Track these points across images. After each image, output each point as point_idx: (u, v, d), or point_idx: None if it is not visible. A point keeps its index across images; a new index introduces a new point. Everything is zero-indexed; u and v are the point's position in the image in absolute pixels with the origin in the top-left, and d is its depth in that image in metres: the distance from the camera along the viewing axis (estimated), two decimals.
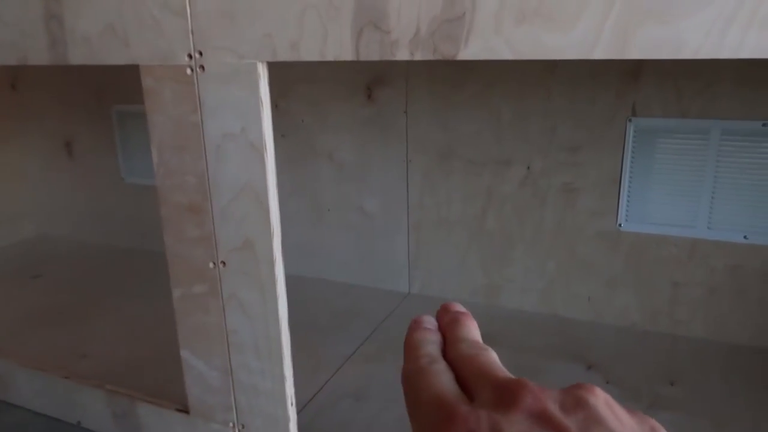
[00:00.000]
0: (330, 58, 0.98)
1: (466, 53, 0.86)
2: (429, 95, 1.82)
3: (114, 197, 2.47)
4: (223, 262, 1.10)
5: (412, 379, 0.26)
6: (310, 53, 0.99)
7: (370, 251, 2.02)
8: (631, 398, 1.39)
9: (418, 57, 0.91)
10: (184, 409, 1.24)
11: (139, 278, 2.16)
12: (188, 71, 1.07)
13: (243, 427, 1.17)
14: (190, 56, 1.06)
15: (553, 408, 0.23)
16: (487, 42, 0.85)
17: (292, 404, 1.13)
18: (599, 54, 0.77)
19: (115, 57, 1.14)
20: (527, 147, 1.73)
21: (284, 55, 1.01)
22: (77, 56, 1.18)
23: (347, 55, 0.96)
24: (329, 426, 1.30)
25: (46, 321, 1.84)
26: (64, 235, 2.62)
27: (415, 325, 0.30)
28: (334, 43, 0.96)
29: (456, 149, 1.82)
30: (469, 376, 0.26)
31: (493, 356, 0.27)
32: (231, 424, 1.18)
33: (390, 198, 1.94)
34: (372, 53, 0.95)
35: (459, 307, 0.31)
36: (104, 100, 2.38)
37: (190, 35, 1.05)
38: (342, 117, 1.95)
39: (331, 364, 1.56)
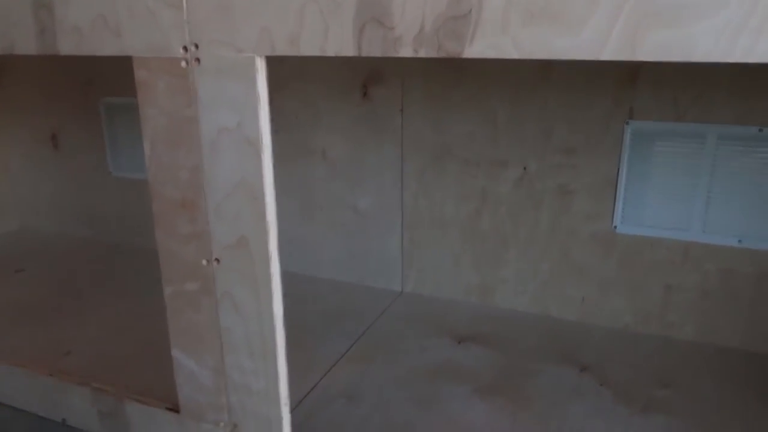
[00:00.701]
0: (331, 53, 0.96)
1: (472, 51, 0.85)
2: (425, 94, 1.80)
3: (100, 191, 2.43)
4: (217, 260, 1.08)
5: None
6: (310, 48, 0.96)
7: (362, 249, 2.00)
8: (625, 401, 1.38)
9: (422, 54, 0.89)
10: (174, 408, 1.21)
11: (125, 274, 2.12)
12: (183, 64, 1.05)
13: (235, 427, 1.15)
14: (185, 48, 1.03)
15: None
16: (493, 40, 0.83)
17: (285, 404, 1.11)
18: (607, 55, 0.76)
19: (107, 48, 1.11)
20: (523, 148, 1.72)
21: (283, 50, 0.98)
22: (67, 46, 1.15)
23: (349, 51, 0.94)
24: (321, 426, 1.28)
25: (29, 316, 1.80)
26: (48, 229, 2.57)
27: None
28: (336, 38, 0.94)
29: (451, 149, 1.80)
30: None
31: None
32: (222, 424, 1.16)
33: (384, 197, 1.92)
34: (374, 49, 0.93)
35: None
36: (92, 92, 2.34)
37: (186, 27, 1.02)
38: (337, 115, 1.93)
39: (323, 363, 1.54)
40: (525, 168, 1.72)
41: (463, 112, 1.77)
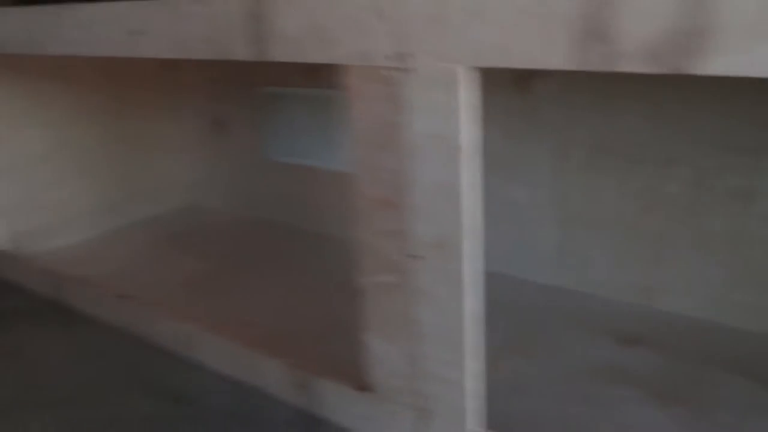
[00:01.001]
0: (544, 66, 0.98)
1: (707, 68, 0.84)
2: (586, 87, 1.77)
3: (258, 174, 2.64)
4: (416, 256, 1.16)
5: None
6: (521, 60, 1.00)
7: (519, 243, 2.03)
8: None
9: (646, 71, 0.90)
10: (364, 388, 1.33)
11: (288, 252, 2.30)
12: (391, 73, 1.12)
13: (424, 411, 1.24)
14: (394, 58, 1.11)
15: None
16: (731, 57, 0.82)
17: (478, 397, 1.18)
18: None
19: (317, 56, 1.21)
20: (694, 146, 1.65)
21: (492, 61, 1.03)
22: (277, 54, 1.27)
23: (563, 65, 0.97)
24: (500, 417, 1.34)
25: (209, 288, 2.01)
26: (212, 207, 2.83)
27: None
28: (550, 51, 0.96)
29: (613, 144, 1.77)
30: None
31: None
32: (412, 408, 1.26)
33: (541, 191, 1.93)
34: (592, 64, 0.95)
35: None
36: (255, 81, 2.53)
37: (396, 37, 1.09)
38: (494, 108, 1.95)
39: (486, 356, 1.60)
40: (695, 167, 1.65)
41: (628, 106, 1.72)
